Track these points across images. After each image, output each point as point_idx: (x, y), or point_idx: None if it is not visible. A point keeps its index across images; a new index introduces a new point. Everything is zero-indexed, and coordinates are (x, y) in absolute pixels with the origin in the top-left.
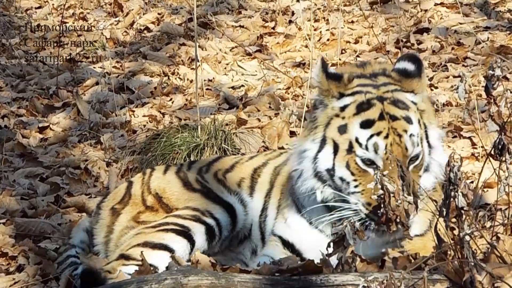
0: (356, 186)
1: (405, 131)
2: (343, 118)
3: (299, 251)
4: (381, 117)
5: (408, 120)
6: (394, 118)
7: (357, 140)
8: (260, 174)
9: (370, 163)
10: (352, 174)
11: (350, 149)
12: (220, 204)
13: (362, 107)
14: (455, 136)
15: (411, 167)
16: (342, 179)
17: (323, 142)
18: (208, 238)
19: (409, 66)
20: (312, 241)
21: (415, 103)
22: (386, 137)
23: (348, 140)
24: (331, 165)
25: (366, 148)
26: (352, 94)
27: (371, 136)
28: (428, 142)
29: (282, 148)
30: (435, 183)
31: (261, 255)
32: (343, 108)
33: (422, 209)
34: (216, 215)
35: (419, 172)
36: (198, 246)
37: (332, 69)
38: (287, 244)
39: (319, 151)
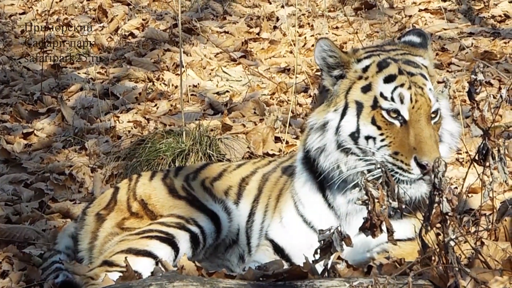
0: (382, 140)
1: (425, 84)
2: (366, 78)
3: (289, 256)
4: (401, 72)
5: (424, 77)
6: (411, 74)
7: (381, 94)
8: (249, 182)
9: (396, 115)
10: (379, 128)
11: (375, 104)
12: (204, 212)
13: (382, 64)
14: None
15: (432, 122)
16: (368, 137)
17: (346, 107)
18: (192, 245)
19: (415, 39)
20: (305, 243)
21: (425, 66)
22: (409, 88)
23: (372, 96)
24: (355, 127)
25: (392, 100)
26: (367, 57)
27: (395, 88)
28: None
29: (268, 154)
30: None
31: (251, 261)
32: (365, 69)
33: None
34: (200, 223)
35: (438, 131)
36: (182, 254)
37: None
38: (278, 249)
39: (341, 118)
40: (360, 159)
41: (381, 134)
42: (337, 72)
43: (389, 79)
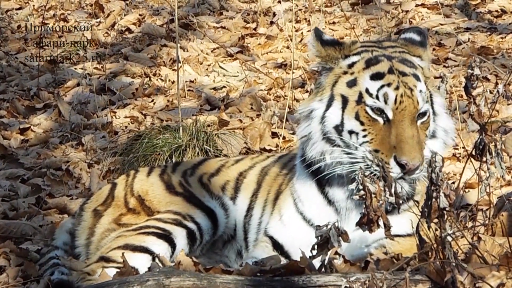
0: (364, 136)
1: (415, 86)
2: (352, 73)
3: (289, 253)
4: (391, 71)
5: (417, 77)
6: (403, 74)
7: (367, 90)
8: (246, 176)
9: (379, 112)
10: (362, 123)
11: (360, 100)
12: (201, 208)
13: (371, 62)
14: None
15: (419, 122)
16: (351, 131)
17: (331, 99)
18: (189, 242)
19: (415, 37)
20: (305, 241)
21: (421, 67)
22: (397, 88)
23: (358, 91)
24: (340, 120)
25: (377, 98)
26: (358, 53)
27: (382, 86)
28: (432, 108)
29: (265, 150)
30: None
31: (249, 257)
32: (351, 65)
33: (412, 208)
34: (197, 219)
35: (426, 131)
36: (179, 250)
37: (328, 36)
38: (277, 246)
39: (326, 109)
40: (344, 152)
41: (364, 130)
42: (319, 64)
43: (376, 77)
